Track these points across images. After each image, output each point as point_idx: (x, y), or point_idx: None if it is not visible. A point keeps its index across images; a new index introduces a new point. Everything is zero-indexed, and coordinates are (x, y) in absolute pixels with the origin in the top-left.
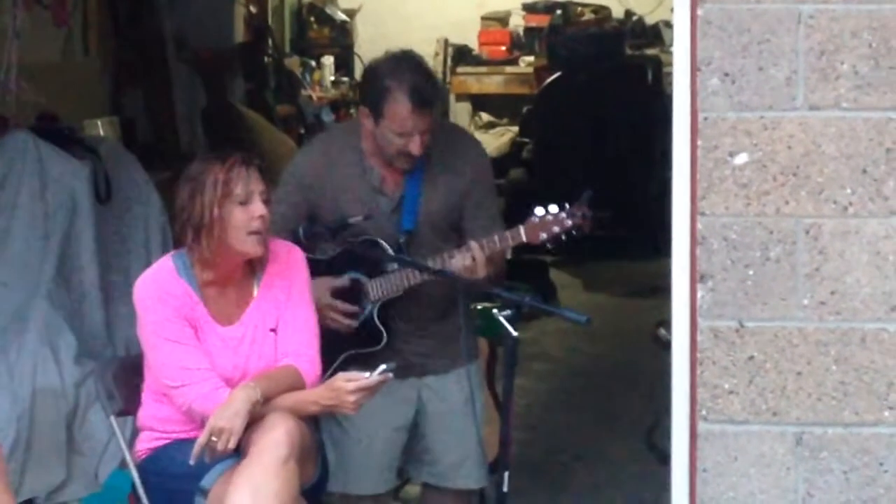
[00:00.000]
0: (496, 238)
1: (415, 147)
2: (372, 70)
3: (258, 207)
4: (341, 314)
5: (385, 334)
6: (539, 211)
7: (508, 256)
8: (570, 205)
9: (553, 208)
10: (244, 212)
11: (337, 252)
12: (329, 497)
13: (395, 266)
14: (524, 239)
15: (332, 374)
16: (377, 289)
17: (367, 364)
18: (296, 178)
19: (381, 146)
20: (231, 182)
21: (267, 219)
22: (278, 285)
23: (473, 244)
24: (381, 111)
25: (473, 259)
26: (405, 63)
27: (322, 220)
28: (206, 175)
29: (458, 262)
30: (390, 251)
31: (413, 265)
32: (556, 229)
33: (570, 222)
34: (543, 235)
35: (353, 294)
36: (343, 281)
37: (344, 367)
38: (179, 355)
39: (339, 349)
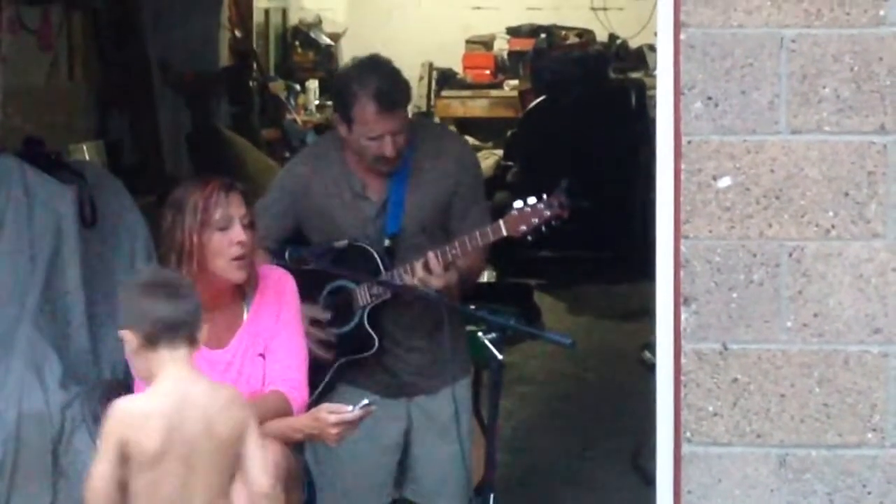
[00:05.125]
0: (477, 234)
1: (387, 149)
2: (340, 77)
3: (238, 233)
4: (317, 343)
5: (376, 340)
6: (518, 204)
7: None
8: (547, 195)
9: (531, 200)
10: (223, 237)
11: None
12: None
13: (383, 269)
14: (504, 233)
15: (327, 384)
16: (365, 294)
17: (362, 371)
18: (283, 188)
19: (358, 152)
20: (209, 208)
21: (248, 244)
22: (268, 311)
23: (430, 254)
24: (350, 117)
25: (428, 269)
26: (369, 67)
27: (307, 238)
28: (186, 201)
29: (413, 273)
30: (377, 256)
31: (382, 284)
32: (535, 220)
33: (548, 213)
34: (524, 228)
35: (341, 303)
36: (326, 314)
37: (339, 374)
38: None
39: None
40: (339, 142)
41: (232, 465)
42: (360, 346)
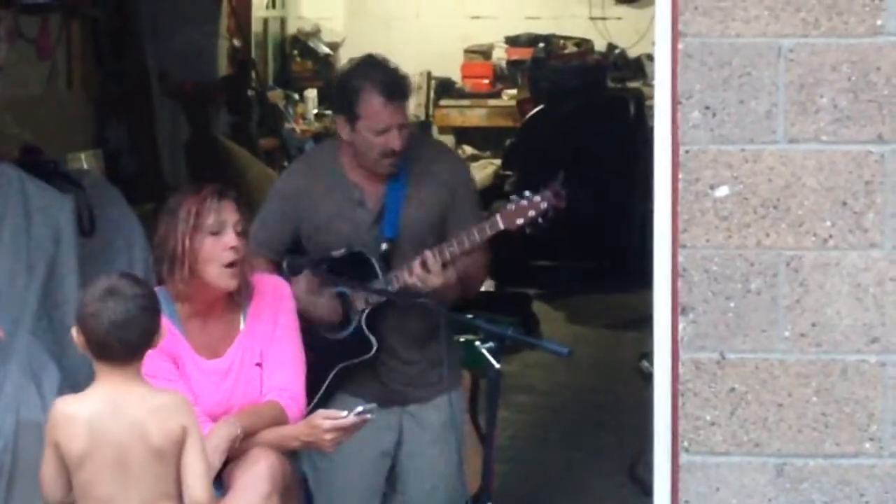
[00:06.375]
0: (475, 230)
1: (395, 142)
2: (341, 77)
3: (230, 238)
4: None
5: (374, 342)
6: (514, 198)
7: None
8: (544, 188)
9: (527, 193)
10: (216, 242)
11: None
12: None
13: (380, 274)
14: (501, 227)
15: (326, 388)
16: (362, 298)
17: (354, 380)
18: (279, 194)
19: (363, 152)
20: (202, 213)
21: (240, 249)
22: (264, 320)
23: (427, 252)
24: (355, 112)
25: (426, 268)
26: (371, 62)
27: (304, 248)
28: (179, 208)
29: (412, 272)
30: (374, 262)
31: (380, 293)
32: (532, 213)
33: (545, 204)
34: (520, 221)
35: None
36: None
37: (337, 380)
38: None
39: (331, 362)
40: (336, 151)
41: (175, 471)
42: (358, 350)
